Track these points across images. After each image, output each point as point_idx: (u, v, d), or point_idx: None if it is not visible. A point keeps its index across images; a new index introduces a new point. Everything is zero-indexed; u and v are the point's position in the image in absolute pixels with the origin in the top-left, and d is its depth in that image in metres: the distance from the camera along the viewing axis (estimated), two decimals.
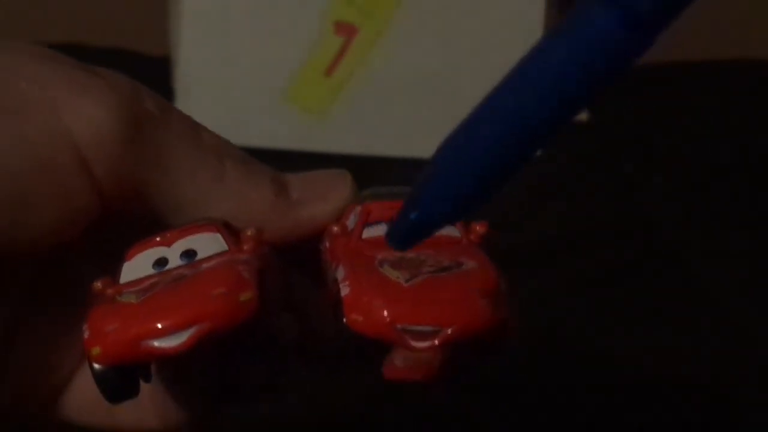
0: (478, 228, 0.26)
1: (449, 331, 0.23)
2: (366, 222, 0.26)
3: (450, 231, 0.26)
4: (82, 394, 0.28)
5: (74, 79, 0.26)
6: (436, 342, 0.23)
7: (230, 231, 0.26)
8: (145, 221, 0.27)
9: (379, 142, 0.74)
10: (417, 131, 0.75)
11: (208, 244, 0.25)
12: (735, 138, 0.74)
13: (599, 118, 0.78)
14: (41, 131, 0.25)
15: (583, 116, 0.79)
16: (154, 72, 0.80)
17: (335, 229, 0.27)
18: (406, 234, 0.21)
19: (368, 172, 0.76)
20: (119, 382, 0.24)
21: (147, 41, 0.83)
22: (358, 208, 0.27)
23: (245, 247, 0.25)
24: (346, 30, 0.75)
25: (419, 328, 0.23)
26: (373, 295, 0.23)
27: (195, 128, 0.28)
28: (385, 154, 0.73)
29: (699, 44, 0.78)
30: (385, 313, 0.23)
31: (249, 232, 0.26)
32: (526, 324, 0.52)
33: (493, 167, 0.19)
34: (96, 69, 0.27)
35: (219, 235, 0.26)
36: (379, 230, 0.26)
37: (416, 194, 0.21)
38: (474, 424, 0.46)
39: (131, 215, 0.27)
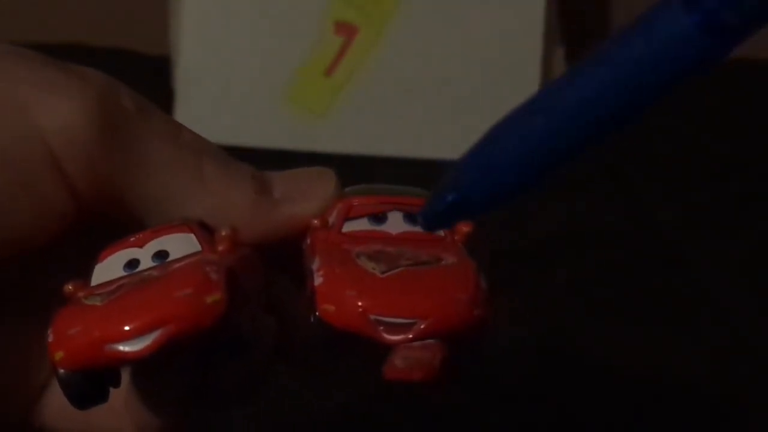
0: (463, 228, 0.26)
1: (424, 324, 0.22)
2: (347, 216, 0.26)
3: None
4: (58, 401, 0.27)
5: (44, 76, 0.26)
6: (410, 335, 0.22)
7: (205, 231, 0.25)
8: (122, 222, 0.26)
9: (379, 142, 0.74)
10: (417, 131, 0.74)
11: (180, 244, 0.25)
12: (735, 138, 0.74)
13: None
14: (10, 131, 0.25)
15: None
16: (154, 72, 0.80)
17: (315, 222, 0.26)
18: (439, 214, 0.20)
19: (368, 172, 0.76)
20: (85, 387, 0.23)
21: (147, 41, 0.83)
22: (340, 204, 0.26)
23: (219, 248, 0.24)
24: (346, 30, 0.75)
25: (393, 319, 0.22)
26: (346, 285, 0.23)
27: (174, 126, 0.27)
28: (385, 154, 0.73)
29: None
30: (359, 303, 0.22)
31: (223, 232, 0.25)
32: (526, 323, 0.52)
33: (542, 158, 0.19)
34: (70, 66, 0.27)
35: (192, 236, 0.25)
36: (360, 225, 0.26)
37: (456, 175, 0.20)
38: (474, 424, 0.46)
39: (108, 216, 0.26)
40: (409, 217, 0.26)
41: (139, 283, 0.23)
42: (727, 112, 0.77)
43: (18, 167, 0.25)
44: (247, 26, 0.75)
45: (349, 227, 0.26)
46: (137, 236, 0.25)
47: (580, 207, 0.66)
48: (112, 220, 0.27)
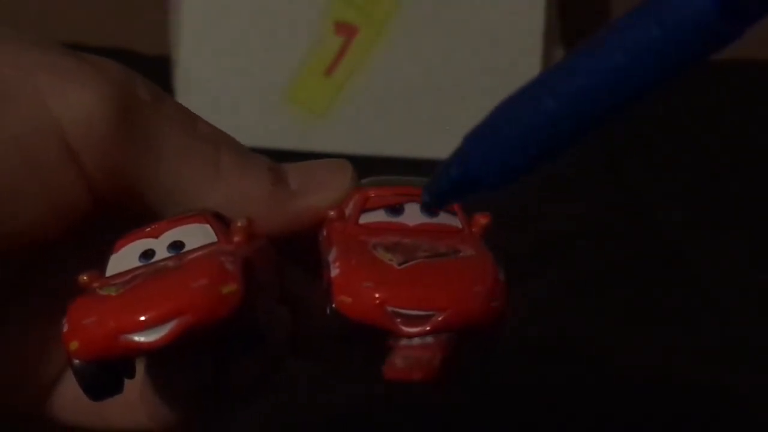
0: (480, 219, 0.25)
1: (442, 316, 0.22)
2: (364, 207, 0.26)
3: (451, 220, 0.25)
4: (71, 393, 0.27)
5: (61, 64, 0.25)
6: (428, 328, 0.22)
7: (221, 222, 0.25)
8: (138, 213, 0.26)
9: (379, 142, 0.74)
10: (417, 131, 0.74)
11: (196, 235, 0.24)
12: (735, 138, 0.74)
13: None
14: (25, 120, 0.24)
15: None
16: (154, 72, 0.80)
17: (332, 213, 0.26)
18: (444, 191, 0.20)
19: (368, 172, 0.76)
20: (100, 378, 0.23)
21: (147, 41, 0.83)
22: (357, 195, 0.26)
23: (235, 239, 0.24)
24: (346, 30, 0.75)
25: (411, 311, 0.22)
26: (363, 277, 0.22)
27: (190, 117, 0.27)
28: (385, 154, 0.73)
29: None
30: (376, 294, 0.22)
31: (239, 223, 0.24)
32: (527, 323, 0.52)
33: (549, 138, 0.19)
34: (86, 55, 0.26)
35: (208, 226, 0.25)
36: (376, 216, 0.25)
37: (462, 152, 0.20)
38: (474, 424, 0.46)
39: (124, 207, 0.26)
40: (427, 209, 0.25)
41: (154, 273, 0.23)
42: (727, 112, 0.77)
43: (33, 156, 0.24)
44: (247, 26, 0.75)
45: (365, 219, 0.25)
46: (153, 226, 0.25)
47: (580, 207, 0.66)
48: (128, 212, 0.26)
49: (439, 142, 0.75)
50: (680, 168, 0.71)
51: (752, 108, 0.77)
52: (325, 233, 0.26)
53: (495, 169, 0.20)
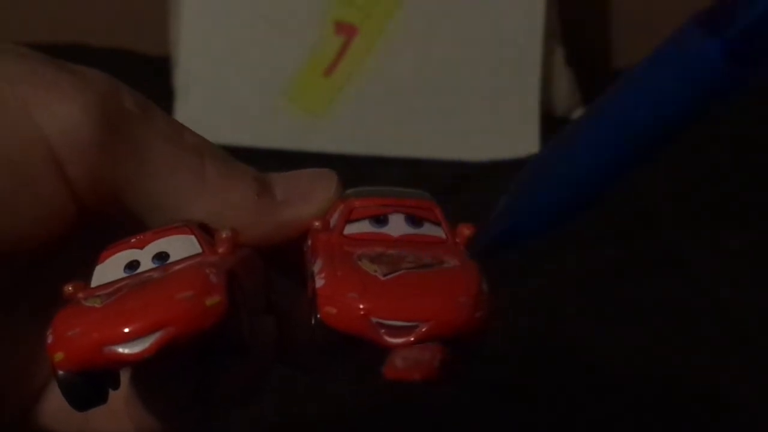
0: (464, 230, 0.25)
1: (426, 327, 0.22)
2: (348, 218, 0.26)
3: (435, 231, 0.26)
4: (56, 402, 0.27)
5: (45, 75, 0.25)
6: (412, 338, 0.22)
7: (206, 233, 0.25)
8: (123, 224, 0.26)
9: (379, 142, 0.74)
10: (417, 131, 0.75)
11: (181, 246, 0.25)
12: (735, 138, 0.74)
13: None
14: (10, 131, 0.24)
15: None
16: (154, 72, 0.80)
17: (317, 224, 0.26)
18: (491, 244, 0.20)
19: (368, 172, 0.76)
20: (84, 388, 0.23)
21: (147, 41, 0.83)
22: (342, 205, 0.26)
23: (220, 250, 0.24)
24: (346, 30, 0.75)
25: (394, 323, 0.22)
26: (347, 288, 0.22)
27: (176, 127, 0.27)
28: (385, 154, 0.73)
29: None
30: (360, 305, 0.22)
31: (224, 234, 0.25)
32: (527, 323, 0.52)
33: (587, 188, 0.19)
34: (71, 66, 0.26)
35: (193, 237, 0.25)
36: (361, 227, 0.25)
37: (510, 204, 0.20)
38: (474, 424, 0.46)
39: (110, 217, 0.26)
40: (411, 220, 0.26)
41: (139, 284, 0.23)
42: (726, 111, 0.77)
43: (19, 168, 0.24)
44: (247, 26, 0.75)
45: (350, 229, 0.25)
46: (138, 237, 0.25)
47: None
48: (113, 222, 0.26)
49: (439, 142, 0.76)
50: (681, 168, 0.71)
51: (752, 107, 0.77)
52: (309, 243, 0.26)
53: (539, 221, 0.20)
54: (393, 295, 0.22)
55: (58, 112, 0.25)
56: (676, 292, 0.57)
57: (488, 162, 0.72)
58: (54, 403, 0.27)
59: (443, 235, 0.25)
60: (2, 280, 0.26)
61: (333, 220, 0.26)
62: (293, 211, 0.27)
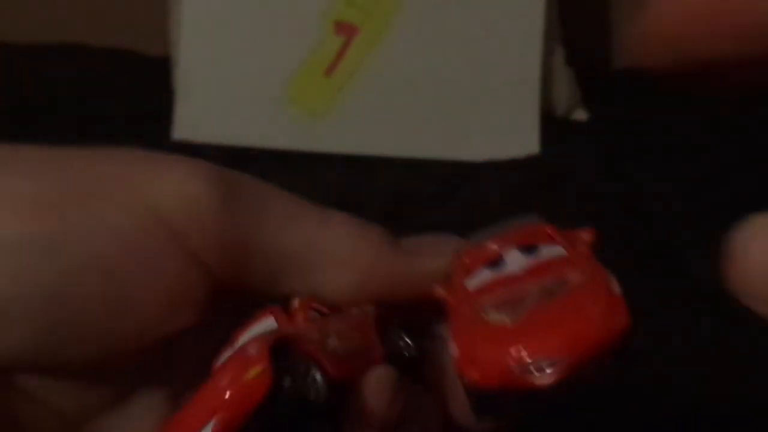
0: (584, 236, 0.25)
1: (566, 360, 0.22)
2: (466, 274, 0.26)
3: (554, 251, 0.25)
4: None
5: (152, 156, 0.25)
6: (558, 372, 0.22)
7: (285, 310, 0.25)
8: (252, 292, 0.26)
9: (379, 142, 0.74)
10: (417, 131, 0.75)
11: (261, 329, 0.25)
12: (735, 137, 0.74)
13: (599, 118, 0.78)
14: (126, 215, 0.24)
15: (582, 116, 0.79)
16: (154, 72, 0.80)
17: (441, 290, 0.26)
18: None
19: (368, 172, 0.76)
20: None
21: (147, 41, 0.83)
22: (456, 263, 0.26)
23: (297, 318, 0.25)
24: (346, 30, 0.75)
25: (537, 362, 0.22)
26: (481, 348, 0.23)
27: (292, 195, 0.27)
28: (385, 154, 0.73)
29: None
30: (499, 359, 0.22)
31: (296, 304, 0.25)
32: None
33: None
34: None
35: (272, 318, 0.25)
36: (482, 277, 0.25)
37: None
38: None
39: (239, 286, 0.25)
40: (526, 249, 0.25)
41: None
42: (726, 111, 0.77)
43: (136, 245, 0.24)
44: (247, 26, 0.75)
45: (472, 283, 0.25)
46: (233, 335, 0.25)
47: (581, 206, 0.66)
48: (243, 294, 0.26)
49: (439, 142, 0.76)
50: (681, 167, 0.71)
51: (752, 107, 0.77)
52: (439, 307, 0.26)
53: None
54: (526, 338, 0.22)
55: (171, 184, 0.24)
56: (676, 292, 0.57)
57: (488, 162, 0.72)
58: None
59: (563, 251, 0.25)
60: (135, 359, 0.25)
61: (455, 280, 0.26)
62: (424, 260, 0.27)
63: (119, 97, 0.77)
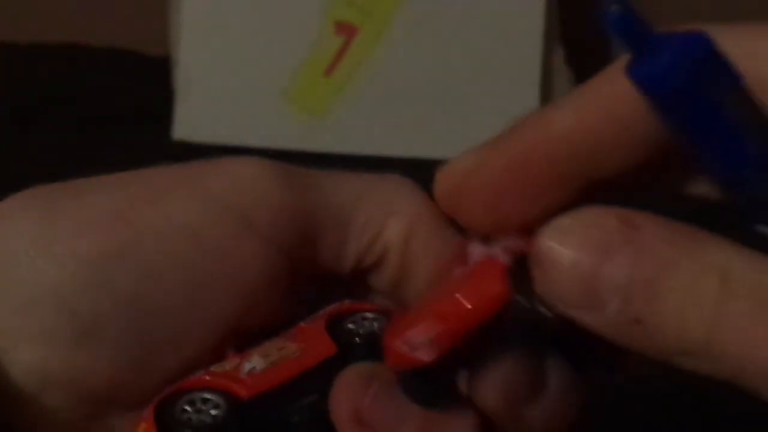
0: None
1: (444, 332, 0.23)
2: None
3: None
4: None
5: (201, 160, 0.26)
6: (439, 346, 0.23)
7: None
8: (327, 255, 0.26)
9: (379, 142, 0.74)
10: (417, 131, 0.75)
11: None
12: None
13: None
14: (191, 204, 0.24)
15: None
16: (154, 72, 0.80)
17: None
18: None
19: (368, 172, 0.76)
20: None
21: (147, 41, 0.83)
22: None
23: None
24: (346, 30, 0.75)
25: (420, 341, 0.23)
26: (385, 338, 0.24)
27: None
28: (385, 154, 0.73)
29: None
30: (391, 343, 0.24)
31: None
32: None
33: None
34: None
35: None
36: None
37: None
38: None
39: (314, 258, 0.26)
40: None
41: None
42: None
43: (214, 241, 0.24)
44: (247, 26, 0.75)
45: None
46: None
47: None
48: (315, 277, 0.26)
49: (439, 142, 0.75)
50: None
51: None
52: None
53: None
54: (412, 322, 0.24)
55: (227, 174, 0.25)
56: None
57: None
58: None
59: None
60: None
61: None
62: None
63: (119, 97, 0.77)
